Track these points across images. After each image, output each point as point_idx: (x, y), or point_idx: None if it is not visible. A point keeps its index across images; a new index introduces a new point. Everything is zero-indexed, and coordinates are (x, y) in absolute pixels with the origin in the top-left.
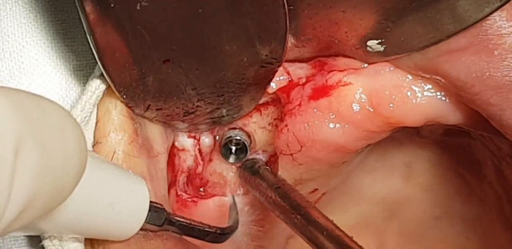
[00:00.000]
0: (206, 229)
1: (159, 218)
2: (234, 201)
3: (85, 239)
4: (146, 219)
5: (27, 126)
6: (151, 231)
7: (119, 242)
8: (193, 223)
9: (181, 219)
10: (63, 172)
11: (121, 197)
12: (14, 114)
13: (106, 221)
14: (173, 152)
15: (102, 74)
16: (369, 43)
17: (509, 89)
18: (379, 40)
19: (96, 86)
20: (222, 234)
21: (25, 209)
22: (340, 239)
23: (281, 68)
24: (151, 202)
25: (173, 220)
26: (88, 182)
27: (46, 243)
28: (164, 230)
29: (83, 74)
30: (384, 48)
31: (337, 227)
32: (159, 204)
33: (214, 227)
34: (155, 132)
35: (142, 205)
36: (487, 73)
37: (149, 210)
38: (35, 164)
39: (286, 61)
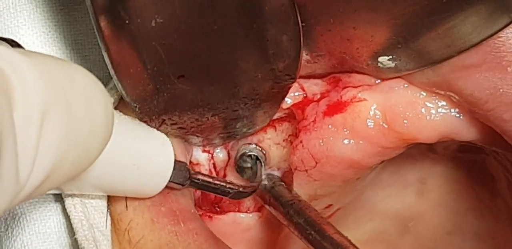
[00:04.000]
0: (228, 187)
1: (183, 177)
2: (260, 163)
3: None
4: (170, 178)
5: (54, 93)
6: (174, 189)
7: (152, 242)
8: (215, 181)
9: (204, 178)
10: (89, 137)
11: (147, 156)
12: (42, 81)
13: (131, 180)
14: None
15: (113, 87)
16: (380, 59)
17: None
18: (390, 56)
19: None
20: (243, 192)
21: (51, 175)
22: None
23: (296, 84)
24: (175, 160)
25: (196, 179)
26: (114, 143)
27: (68, 204)
28: (187, 188)
29: None
30: (396, 64)
31: (352, 244)
32: (184, 162)
33: (236, 185)
34: (172, 142)
35: (167, 164)
36: (501, 90)
37: (173, 169)
38: (61, 130)
39: (301, 77)
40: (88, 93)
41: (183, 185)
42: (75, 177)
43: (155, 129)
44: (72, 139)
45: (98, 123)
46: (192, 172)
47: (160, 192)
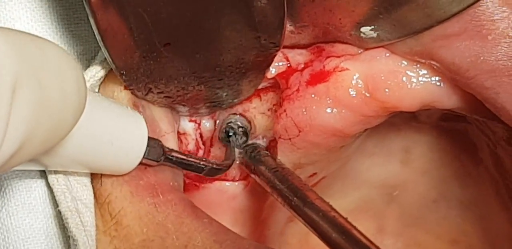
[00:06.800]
0: (202, 164)
1: (157, 154)
2: (234, 142)
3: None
4: (144, 154)
5: (25, 65)
6: (149, 166)
7: (131, 214)
8: (189, 158)
9: (178, 155)
10: (61, 110)
11: (121, 133)
12: (12, 54)
13: (106, 156)
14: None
15: (103, 61)
16: (363, 29)
17: (502, 73)
18: (372, 27)
19: (92, 75)
20: (217, 169)
21: (24, 145)
22: (334, 220)
23: (280, 54)
24: (149, 138)
25: (171, 156)
26: (88, 119)
27: (50, 178)
28: (162, 164)
29: (86, 58)
30: (378, 34)
31: (333, 209)
32: (157, 140)
33: (210, 162)
34: (159, 111)
35: (140, 141)
36: (481, 58)
37: (147, 146)
38: (31, 101)
39: (285, 47)
40: (59, 66)
41: (157, 161)
42: (48, 149)
43: (128, 107)
44: (44, 111)
45: (70, 96)
46: (166, 149)
47: (138, 168)
